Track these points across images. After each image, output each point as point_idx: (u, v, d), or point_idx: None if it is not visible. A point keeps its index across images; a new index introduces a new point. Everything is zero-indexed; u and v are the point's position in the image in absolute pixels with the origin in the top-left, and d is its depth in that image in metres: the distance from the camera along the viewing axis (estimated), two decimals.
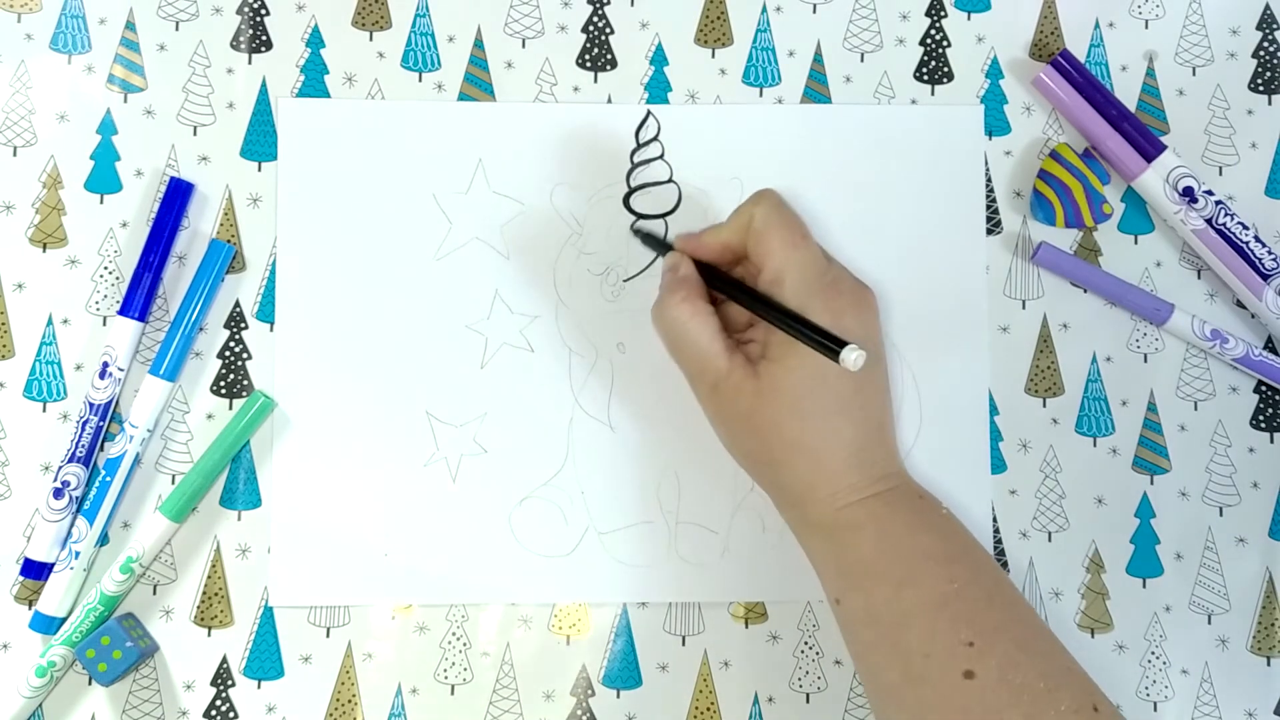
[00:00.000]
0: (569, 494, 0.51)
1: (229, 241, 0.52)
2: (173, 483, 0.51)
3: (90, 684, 0.50)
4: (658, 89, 0.53)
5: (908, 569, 0.42)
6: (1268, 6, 0.55)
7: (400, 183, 0.52)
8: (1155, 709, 0.51)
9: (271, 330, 0.52)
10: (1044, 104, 0.54)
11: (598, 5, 0.54)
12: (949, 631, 0.41)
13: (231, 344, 0.52)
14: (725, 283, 0.47)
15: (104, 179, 0.52)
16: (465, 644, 0.51)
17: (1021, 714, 0.39)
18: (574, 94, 0.53)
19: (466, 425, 0.51)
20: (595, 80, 0.53)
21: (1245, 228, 0.52)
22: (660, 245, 0.50)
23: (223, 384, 0.51)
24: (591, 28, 0.54)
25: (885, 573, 0.43)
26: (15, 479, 0.50)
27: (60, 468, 0.49)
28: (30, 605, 0.50)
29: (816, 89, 0.54)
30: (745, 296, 0.46)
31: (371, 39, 0.53)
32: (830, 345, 0.41)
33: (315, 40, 0.53)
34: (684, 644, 0.51)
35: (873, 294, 0.47)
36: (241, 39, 0.53)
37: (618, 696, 0.51)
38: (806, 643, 0.51)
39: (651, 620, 0.51)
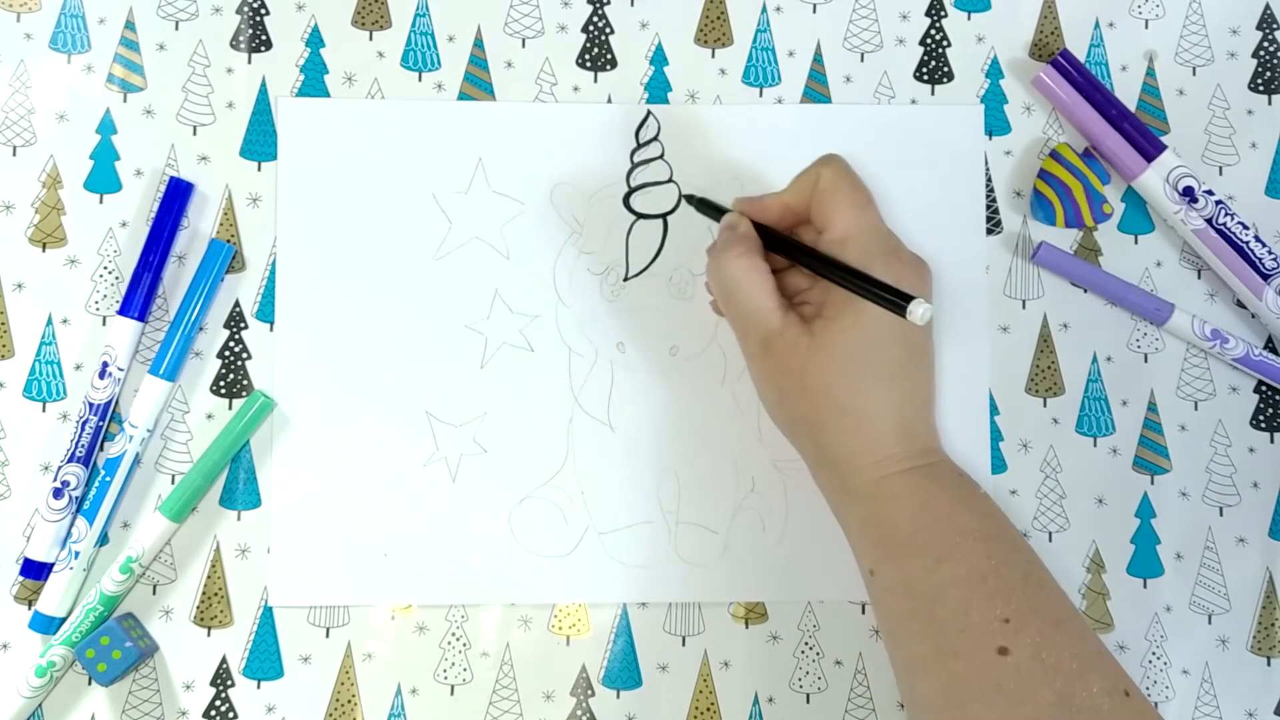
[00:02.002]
0: (569, 494, 0.51)
1: (229, 241, 0.52)
2: (172, 483, 0.51)
3: (90, 684, 0.50)
4: (658, 89, 0.53)
5: (946, 543, 0.42)
6: (1268, 6, 0.55)
7: (400, 182, 0.52)
8: (1156, 709, 0.51)
9: (271, 330, 0.51)
10: (1044, 104, 0.54)
11: (598, 5, 0.54)
12: (985, 607, 0.41)
13: (231, 344, 0.52)
14: (786, 243, 0.47)
15: (104, 179, 0.52)
16: (465, 644, 0.51)
17: (1054, 693, 0.39)
18: (574, 94, 0.53)
19: (466, 425, 0.51)
20: (595, 80, 0.53)
21: (1245, 227, 0.52)
22: (716, 211, 0.49)
23: (222, 384, 0.51)
24: (591, 28, 0.54)
25: (924, 545, 0.42)
26: (15, 479, 0.50)
27: (60, 468, 0.49)
28: (30, 605, 0.50)
29: (816, 89, 0.54)
30: (807, 256, 0.45)
31: (371, 39, 0.53)
32: (897, 301, 0.40)
33: (315, 40, 0.53)
34: (684, 644, 0.51)
35: (928, 267, 0.47)
36: (241, 38, 0.53)
37: (618, 696, 0.51)
38: (806, 643, 0.51)
39: (651, 620, 0.51)
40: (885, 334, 0.44)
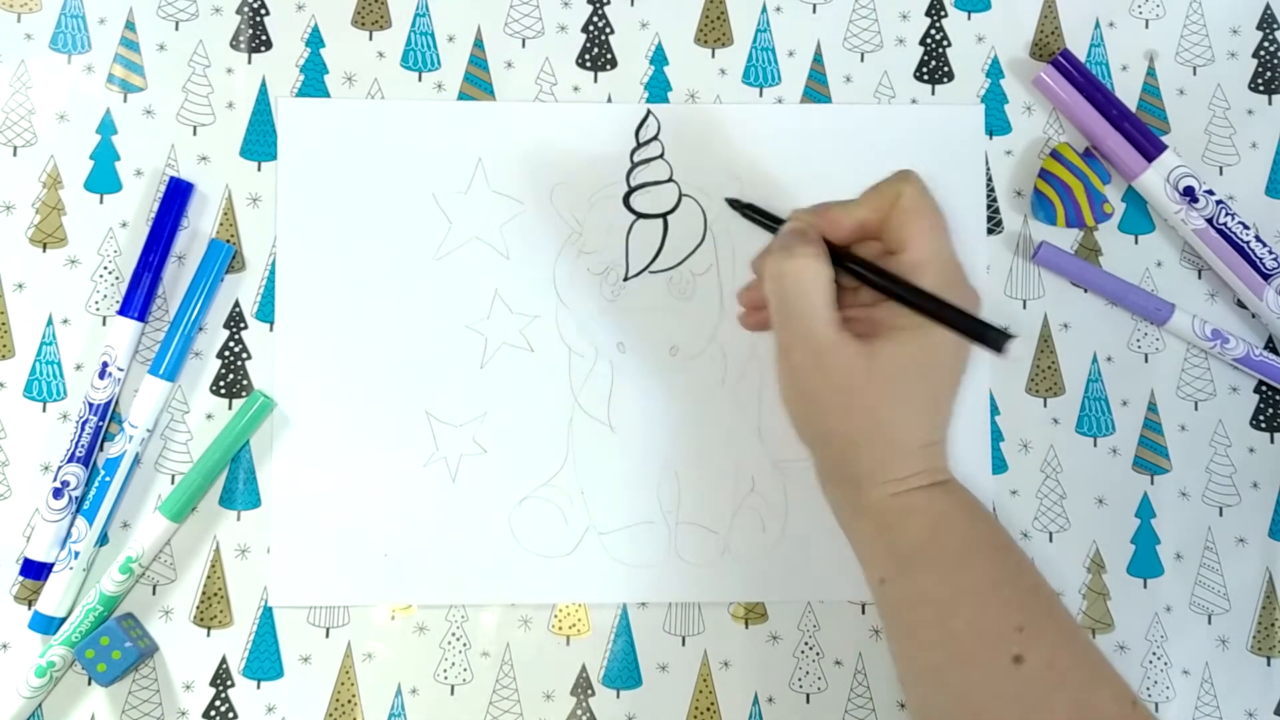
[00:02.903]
0: (569, 494, 0.51)
1: (229, 241, 0.52)
2: (172, 483, 0.51)
3: (90, 684, 0.50)
4: (658, 89, 0.53)
5: (962, 554, 0.42)
6: (1268, 6, 0.55)
7: (400, 183, 0.52)
8: (1156, 709, 0.51)
9: (271, 330, 0.51)
10: (1044, 103, 0.54)
11: (598, 5, 0.54)
12: (1000, 615, 0.41)
13: (231, 344, 0.52)
14: (857, 263, 0.43)
15: (104, 179, 0.52)
16: (465, 644, 0.51)
17: (1069, 700, 0.39)
18: (574, 94, 0.53)
19: (466, 425, 0.51)
20: (595, 80, 0.53)
21: (1246, 227, 0.52)
22: (771, 219, 0.46)
23: (222, 384, 0.51)
24: (591, 28, 0.54)
25: (939, 556, 0.42)
26: (15, 479, 0.50)
27: (60, 468, 0.49)
28: (30, 605, 0.50)
29: (816, 89, 0.54)
30: (883, 279, 0.43)
31: (371, 39, 0.53)
32: (992, 335, 0.40)
33: (315, 40, 0.53)
34: (684, 644, 0.51)
35: (979, 299, 0.44)
36: (241, 39, 0.53)
37: (618, 696, 0.51)
38: (806, 643, 0.51)
39: (651, 620, 0.51)
40: (946, 361, 0.43)
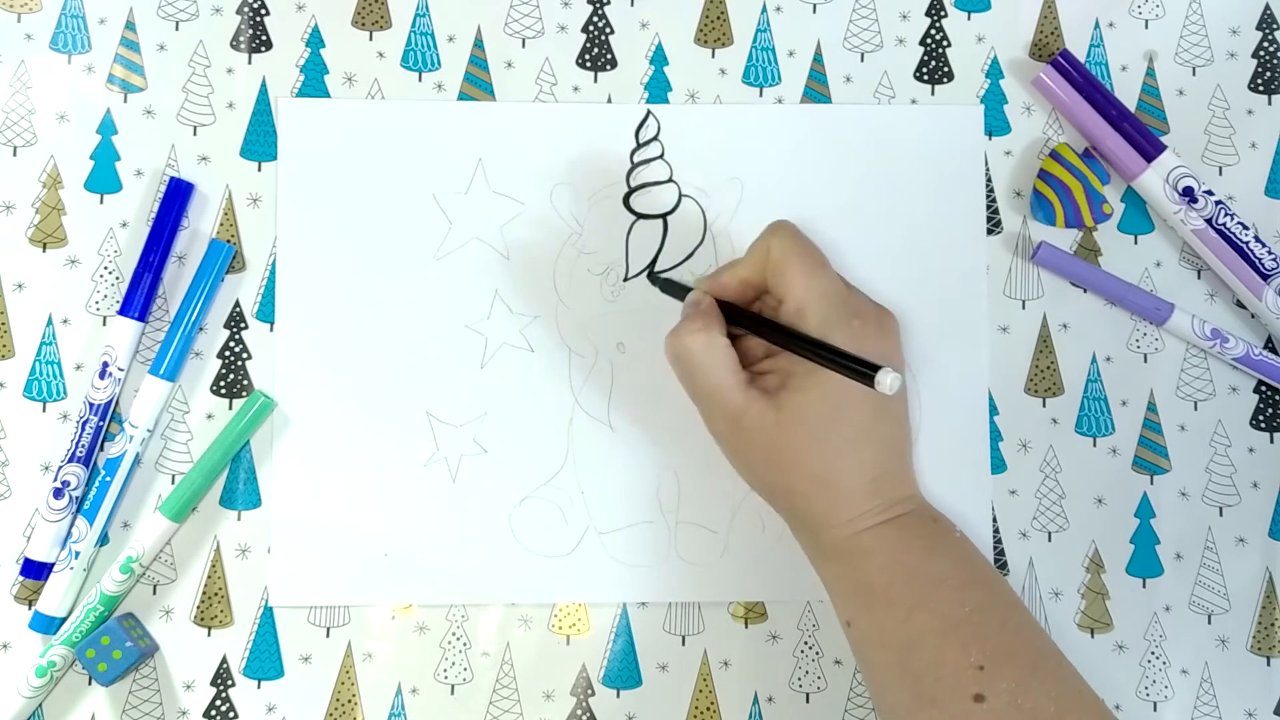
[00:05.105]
0: (569, 494, 0.51)
1: (229, 241, 0.52)
2: (173, 483, 0.51)
3: (90, 684, 0.50)
4: (658, 89, 0.53)
5: (919, 593, 0.42)
6: (1268, 6, 0.55)
7: (400, 183, 0.52)
8: (1155, 709, 0.51)
9: (271, 330, 0.52)
10: (1044, 104, 0.54)
11: (598, 5, 0.54)
12: (959, 655, 0.41)
13: (231, 344, 0.52)
14: (748, 318, 0.46)
15: (104, 179, 0.52)
16: (465, 644, 0.51)
17: None
18: (574, 94, 0.53)
19: (466, 425, 0.51)
20: (595, 80, 0.53)
21: (1245, 228, 0.52)
22: (681, 290, 0.49)
23: (223, 384, 0.51)
24: (591, 28, 0.54)
25: (897, 597, 0.43)
26: (15, 479, 0.50)
27: (60, 468, 0.49)
28: (30, 605, 0.50)
29: (816, 89, 0.54)
30: (769, 330, 0.45)
31: (371, 39, 0.53)
32: (864, 371, 0.40)
33: (315, 40, 0.53)
34: (684, 644, 0.51)
35: (893, 317, 0.46)
36: (241, 39, 0.53)
37: (618, 696, 0.51)
38: (806, 643, 0.51)
39: (651, 620, 0.51)
40: (852, 399, 0.43)
